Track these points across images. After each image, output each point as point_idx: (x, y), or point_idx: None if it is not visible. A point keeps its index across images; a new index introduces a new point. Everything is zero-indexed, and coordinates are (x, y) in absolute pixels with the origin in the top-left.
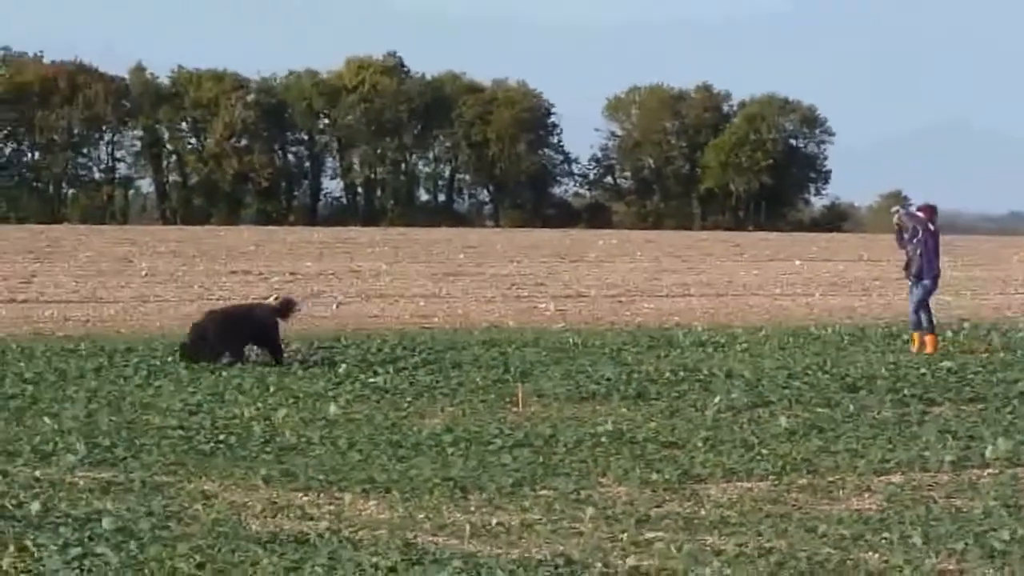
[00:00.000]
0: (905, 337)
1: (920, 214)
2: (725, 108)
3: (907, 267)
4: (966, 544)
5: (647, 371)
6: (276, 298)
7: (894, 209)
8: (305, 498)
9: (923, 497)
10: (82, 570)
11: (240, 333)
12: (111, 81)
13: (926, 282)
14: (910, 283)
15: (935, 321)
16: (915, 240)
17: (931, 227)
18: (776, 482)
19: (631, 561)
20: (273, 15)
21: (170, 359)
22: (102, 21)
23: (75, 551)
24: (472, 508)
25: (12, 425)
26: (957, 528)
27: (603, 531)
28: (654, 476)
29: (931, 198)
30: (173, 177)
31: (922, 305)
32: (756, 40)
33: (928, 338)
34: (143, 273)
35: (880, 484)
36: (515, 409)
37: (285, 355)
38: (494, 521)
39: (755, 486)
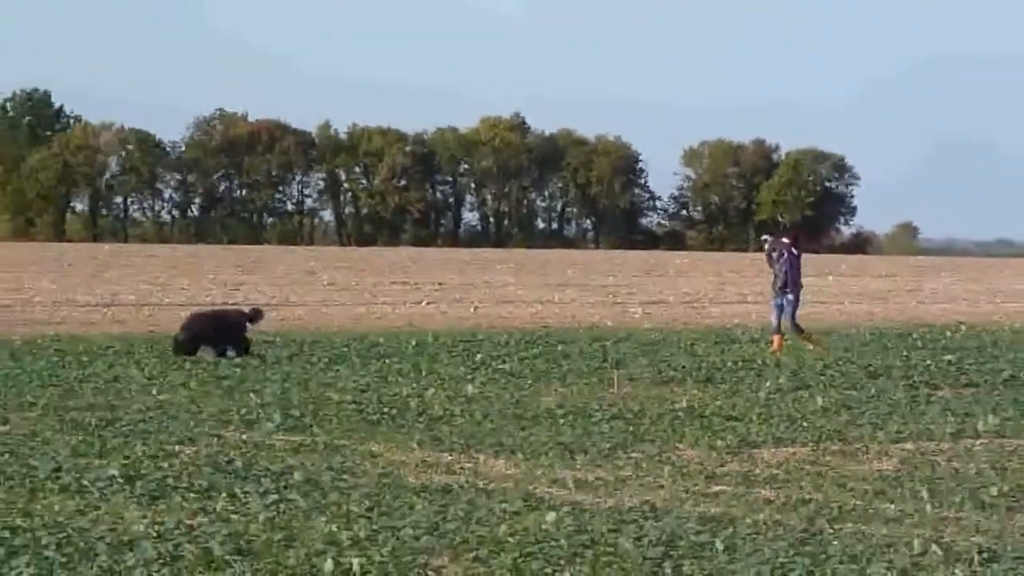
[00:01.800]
0: (915, 336)
1: (785, 240)
2: (774, 157)
3: (774, 283)
4: (963, 498)
5: (714, 361)
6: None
7: (764, 237)
8: (449, 457)
9: (929, 461)
10: (278, 512)
11: (218, 331)
12: (301, 135)
13: (790, 295)
14: (773, 296)
15: (782, 327)
16: (781, 260)
17: (794, 251)
18: (814, 448)
19: (701, 509)
20: (429, 86)
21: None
22: (292, 89)
23: (273, 497)
24: (578, 466)
25: (225, 400)
26: (956, 485)
27: (679, 485)
28: (719, 442)
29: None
30: (348, 209)
31: (793, 315)
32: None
33: (776, 338)
34: (325, 283)
35: (895, 450)
36: (611, 390)
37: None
38: (595, 477)
39: (798, 451)
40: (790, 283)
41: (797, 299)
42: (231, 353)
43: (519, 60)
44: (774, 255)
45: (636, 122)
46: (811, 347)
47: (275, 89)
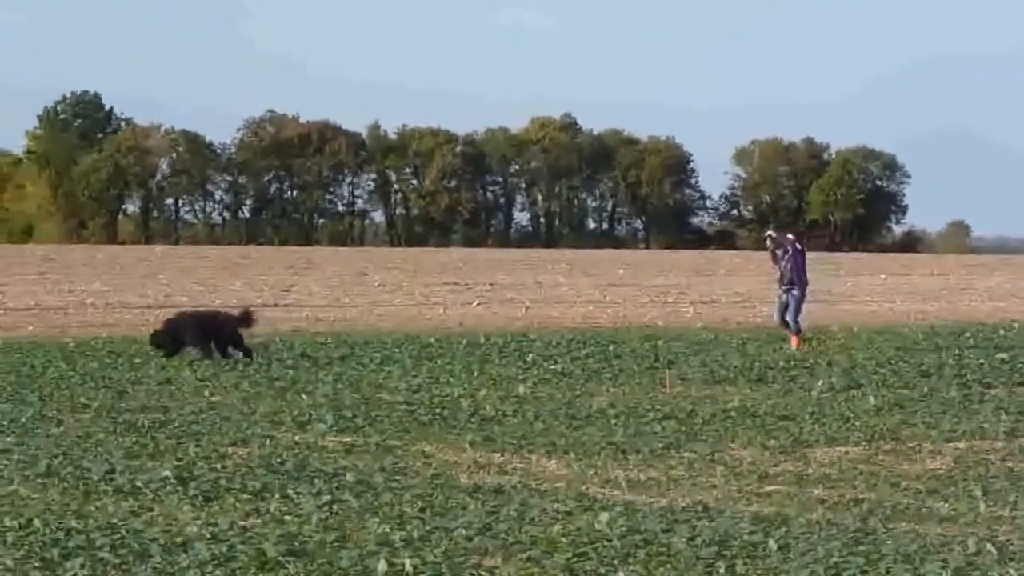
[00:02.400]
0: (967, 334)
1: (790, 236)
2: (825, 156)
3: (780, 280)
4: (1016, 496)
5: (766, 360)
6: (243, 309)
7: (767, 233)
8: (501, 458)
9: (982, 460)
10: (331, 513)
11: (206, 332)
12: (351, 136)
13: (795, 292)
14: (781, 292)
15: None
16: (786, 257)
17: (799, 247)
18: (867, 447)
19: (754, 508)
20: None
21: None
22: (340, 90)
23: (325, 498)
24: (630, 466)
25: (277, 401)
26: (1010, 484)
27: (732, 484)
28: (772, 442)
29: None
30: (399, 210)
31: (798, 312)
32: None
33: (793, 338)
34: (376, 284)
35: (949, 449)
36: (663, 389)
37: (252, 352)
38: (647, 476)
39: (850, 450)
40: (796, 280)
41: (803, 297)
42: (217, 355)
43: (566, 66)
44: (778, 253)
45: (650, 119)
46: (797, 347)
47: (324, 97)
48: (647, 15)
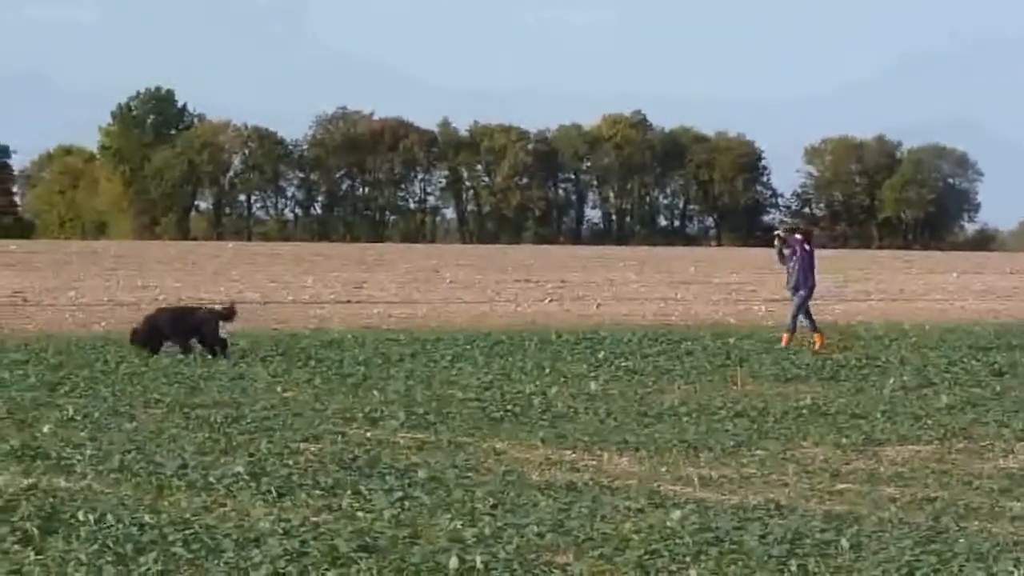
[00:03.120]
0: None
1: (799, 236)
2: (897, 154)
3: (786, 281)
4: None
5: (837, 359)
6: (224, 304)
7: (776, 232)
8: (573, 455)
9: None
10: (403, 508)
11: (185, 328)
12: (423, 133)
13: (802, 293)
14: (788, 292)
15: (816, 322)
16: (794, 258)
17: (807, 247)
18: (939, 446)
19: (826, 506)
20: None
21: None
22: (412, 90)
23: (397, 494)
24: (702, 464)
25: (349, 397)
26: None
27: (804, 483)
28: (844, 440)
29: None
30: (470, 207)
31: (800, 311)
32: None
33: (816, 336)
34: (448, 281)
35: (1021, 448)
36: (735, 387)
37: (228, 349)
38: (719, 474)
39: (923, 449)
40: (802, 282)
41: (808, 298)
42: (201, 349)
43: (637, 61)
44: (786, 252)
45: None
46: (785, 345)
47: (396, 94)
48: (700, 10)
